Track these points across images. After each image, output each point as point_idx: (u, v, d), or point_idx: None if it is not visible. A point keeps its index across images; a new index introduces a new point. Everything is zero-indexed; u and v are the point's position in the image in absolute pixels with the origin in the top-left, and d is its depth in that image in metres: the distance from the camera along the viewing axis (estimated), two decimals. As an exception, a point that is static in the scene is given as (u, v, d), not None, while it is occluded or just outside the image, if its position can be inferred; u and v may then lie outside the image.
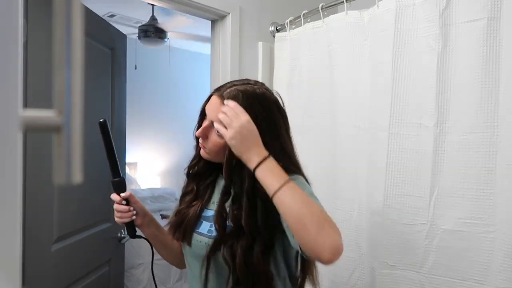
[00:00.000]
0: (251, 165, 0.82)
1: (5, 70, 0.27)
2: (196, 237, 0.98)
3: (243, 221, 0.88)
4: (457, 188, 1.18)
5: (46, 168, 1.34)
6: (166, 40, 3.73)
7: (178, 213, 1.03)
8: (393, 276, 1.30)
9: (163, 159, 5.17)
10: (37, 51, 1.33)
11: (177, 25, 3.72)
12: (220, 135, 0.90)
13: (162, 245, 1.09)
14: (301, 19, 1.74)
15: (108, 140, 0.91)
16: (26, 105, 1.30)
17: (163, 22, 3.58)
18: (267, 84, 1.00)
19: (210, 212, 1.00)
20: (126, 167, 3.43)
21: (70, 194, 1.56)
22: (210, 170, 1.03)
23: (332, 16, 1.58)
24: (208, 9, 1.73)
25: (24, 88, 1.28)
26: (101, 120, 0.91)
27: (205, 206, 1.01)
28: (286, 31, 1.83)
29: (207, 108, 0.95)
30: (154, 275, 1.12)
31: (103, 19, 1.92)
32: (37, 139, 1.34)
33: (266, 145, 0.88)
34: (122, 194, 0.97)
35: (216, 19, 1.84)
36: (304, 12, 1.73)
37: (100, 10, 3.62)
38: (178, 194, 1.10)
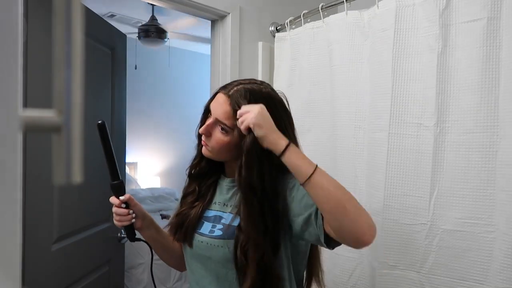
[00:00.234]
0: (279, 147, 0.81)
1: (5, 70, 0.27)
2: (197, 237, 0.97)
3: (254, 217, 0.87)
4: (457, 188, 1.18)
5: (46, 168, 1.34)
6: (166, 40, 3.73)
7: (179, 214, 1.02)
8: (393, 276, 1.30)
9: (163, 159, 5.17)
10: (37, 51, 1.33)
11: (177, 26, 3.73)
12: (224, 133, 0.90)
13: (162, 247, 1.08)
14: (301, 19, 1.74)
15: (106, 143, 0.90)
16: (26, 105, 1.30)
17: (163, 23, 3.59)
18: (267, 84, 1.01)
19: (212, 212, 0.99)
20: (126, 167, 3.42)
21: (70, 194, 1.56)
22: (212, 170, 1.03)
23: (332, 16, 1.58)
24: (208, 9, 1.73)
25: (24, 88, 1.28)
26: (99, 122, 0.88)
27: (206, 206, 1.00)
28: (286, 31, 1.83)
29: (212, 105, 0.94)
30: (154, 275, 1.11)
31: (103, 19, 1.92)
32: (37, 139, 1.34)
33: None
34: (121, 197, 0.96)
35: (216, 19, 1.84)
36: (304, 12, 1.73)
37: (100, 10, 3.62)
38: (178, 194, 1.10)
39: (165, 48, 4.40)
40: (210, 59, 1.90)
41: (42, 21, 1.35)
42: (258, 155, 0.86)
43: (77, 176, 0.28)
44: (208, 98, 1.00)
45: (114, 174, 0.94)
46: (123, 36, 2.08)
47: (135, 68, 4.33)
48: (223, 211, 0.98)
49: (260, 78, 1.85)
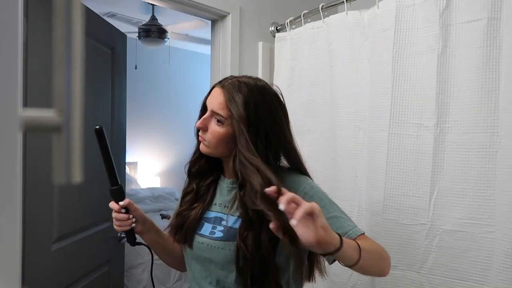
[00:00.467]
0: (332, 248, 0.72)
1: (5, 70, 0.27)
2: (197, 238, 0.97)
3: (249, 208, 0.87)
4: (457, 188, 1.18)
5: (46, 168, 1.34)
6: (166, 40, 3.73)
7: (179, 214, 1.02)
8: (393, 276, 1.30)
9: (163, 159, 5.17)
10: (37, 51, 1.33)
11: (175, 28, 3.73)
12: (220, 124, 0.91)
13: (164, 250, 1.08)
14: (301, 19, 1.74)
15: (104, 147, 0.89)
16: (26, 105, 1.30)
17: (163, 23, 3.59)
18: (267, 85, 1.01)
19: (212, 213, 0.99)
20: (126, 167, 3.42)
21: (70, 194, 1.56)
22: (211, 169, 1.03)
23: (332, 16, 1.58)
24: (208, 9, 1.73)
25: (24, 88, 1.28)
26: (97, 127, 0.87)
27: (206, 207, 1.00)
28: (286, 31, 1.83)
29: (208, 99, 0.95)
30: (154, 275, 1.11)
31: (103, 19, 1.92)
32: (37, 139, 1.34)
33: (268, 136, 0.89)
34: (121, 203, 0.96)
35: (216, 19, 1.84)
36: (304, 12, 1.73)
37: (100, 10, 3.62)
38: (178, 194, 1.10)
39: (165, 48, 4.40)
40: (210, 59, 1.90)
41: (42, 21, 1.35)
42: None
43: (77, 176, 0.28)
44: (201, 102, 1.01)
45: (113, 179, 0.94)
46: (123, 36, 2.08)
47: (135, 68, 4.33)
48: (224, 213, 0.98)
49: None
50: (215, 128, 0.92)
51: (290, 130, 0.98)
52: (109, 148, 0.90)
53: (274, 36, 1.90)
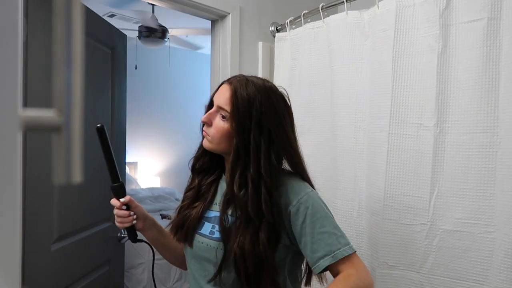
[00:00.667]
0: None
1: (5, 70, 0.27)
2: (197, 238, 0.97)
3: (249, 207, 0.88)
4: (457, 188, 1.18)
5: (46, 168, 1.34)
6: (166, 40, 3.73)
7: (180, 211, 1.03)
8: (393, 276, 1.30)
9: (163, 159, 5.17)
10: (37, 51, 1.33)
11: (171, 32, 3.75)
12: (224, 120, 0.92)
13: (165, 247, 1.09)
14: (301, 19, 1.74)
15: (106, 145, 0.90)
16: (26, 105, 1.30)
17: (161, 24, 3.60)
18: (266, 84, 1.01)
19: (213, 213, 0.99)
20: (126, 167, 3.43)
21: (70, 194, 1.56)
22: (214, 167, 1.03)
23: (332, 16, 1.58)
24: (208, 9, 1.73)
25: (24, 88, 1.28)
26: (98, 126, 0.88)
27: (207, 207, 1.01)
28: (286, 31, 1.83)
29: (215, 95, 0.96)
30: (155, 275, 1.11)
31: (103, 19, 1.92)
32: (37, 139, 1.34)
33: (271, 136, 0.90)
34: (121, 199, 0.97)
35: (216, 19, 1.84)
36: (304, 12, 1.73)
37: (100, 10, 3.63)
38: (178, 194, 1.10)
39: (165, 48, 4.40)
40: (210, 59, 1.90)
41: (42, 21, 1.35)
42: (244, 150, 0.90)
43: (77, 176, 0.28)
44: (208, 98, 1.02)
45: (114, 176, 0.95)
46: (123, 36, 2.08)
47: (135, 68, 4.33)
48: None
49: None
50: (219, 123, 0.93)
51: (295, 133, 0.98)
52: (110, 146, 0.91)
53: (274, 36, 1.90)
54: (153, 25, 3.47)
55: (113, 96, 1.93)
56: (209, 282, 0.96)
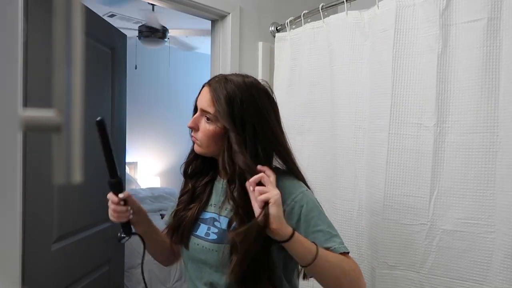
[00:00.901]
0: (284, 236, 0.81)
1: (5, 70, 0.27)
2: (193, 240, 0.97)
3: (239, 205, 0.88)
4: (457, 188, 1.18)
5: (46, 168, 1.34)
6: (166, 40, 3.73)
7: (175, 215, 1.02)
8: (393, 276, 1.30)
9: (163, 159, 5.17)
10: (37, 51, 1.33)
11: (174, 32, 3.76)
12: (209, 122, 0.92)
13: (154, 242, 1.08)
14: (301, 19, 1.74)
15: (105, 140, 0.89)
16: (26, 105, 1.30)
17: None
18: (267, 85, 1.01)
19: (208, 214, 0.99)
20: (126, 167, 3.42)
21: (70, 194, 1.56)
22: (207, 169, 1.03)
23: (332, 16, 1.58)
24: (208, 9, 1.73)
25: (24, 88, 1.28)
26: (98, 119, 0.87)
27: (203, 208, 1.00)
28: (286, 31, 1.83)
29: (198, 99, 0.97)
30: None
31: (103, 19, 1.92)
32: (37, 139, 1.34)
33: (256, 131, 0.89)
34: (120, 195, 0.95)
35: (216, 19, 1.84)
36: (304, 12, 1.73)
37: (100, 10, 3.63)
38: (178, 194, 1.09)
39: (165, 48, 4.40)
40: (210, 59, 1.90)
41: (42, 21, 1.35)
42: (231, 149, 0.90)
43: (77, 176, 0.28)
44: None
45: (112, 171, 0.94)
46: (123, 36, 2.08)
47: (135, 68, 4.33)
48: (219, 214, 0.97)
49: (260, 78, 1.85)
50: (205, 126, 0.93)
51: (281, 127, 0.97)
52: (110, 141, 0.90)
53: (274, 36, 1.90)
54: (157, 25, 3.48)
55: (113, 96, 1.93)
56: (205, 284, 0.95)
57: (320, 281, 0.86)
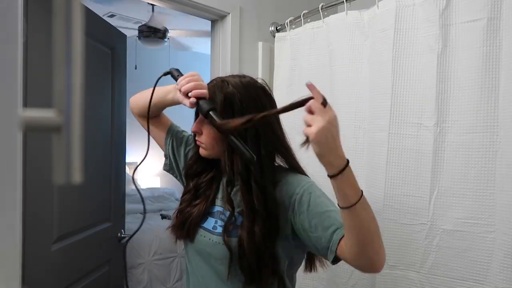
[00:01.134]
0: (332, 170, 0.76)
1: (5, 70, 0.27)
2: (200, 232, 0.98)
3: (242, 202, 0.89)
4: (457, 188, 1.18)
5: (46, 168, 1.34)
6: (166, 40, 3.73)
7: (180, 213, 1.03)
8: (393, 276, 1.30)
9: (163, 159, 5.16)
10: (37, 51, 1.33)
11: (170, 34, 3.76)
12: (213, 124, 0.91)
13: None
14: (301, 19, 1.74)
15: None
16: (26, 105, 1.30)
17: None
18: (267, 84, 1.02)
19: (216, 208, 1.00)
20: (126, 167, 3.42)
21: (70, 194, 1.56)
22: (208, 167, 1.04)
23: (332, 16, 1.58)
24: (208, 9, 1.73)
25: (24, 88, 1.28)
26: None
27: (211, 202, 1.01)
28: (286, 31, 1.83)
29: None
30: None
31: (103, 19, 1.92)
32: (37, 139, 1.34)
33: (258, 130, 0.90)
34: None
35: (216, 19, 1.84)
36: (304, 12, 1.73)
37: (100, 10, 3.63)
38: (178, 194, 1.10)
39: (165, 48, 4.40)
40: (210, 59, 1.90)
41: (42, 21, 1.35)
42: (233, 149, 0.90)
43: (77, 176, 0.28)
44: None
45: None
46: (123, 36, 2.08)
47: (135, 68, 4.33)
48: (224, 208, 0.98)
49: (260, 78, 1.86)
50: (208, 129, 0.94)
51: (280, 124, 0.98)
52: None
53: (274, 36, 1.90)
54: (159, 25, 3.48)
55: (113, 96, 1.93)
56: (210, 277, 0.96)
57: (352, 233, 0.79)
